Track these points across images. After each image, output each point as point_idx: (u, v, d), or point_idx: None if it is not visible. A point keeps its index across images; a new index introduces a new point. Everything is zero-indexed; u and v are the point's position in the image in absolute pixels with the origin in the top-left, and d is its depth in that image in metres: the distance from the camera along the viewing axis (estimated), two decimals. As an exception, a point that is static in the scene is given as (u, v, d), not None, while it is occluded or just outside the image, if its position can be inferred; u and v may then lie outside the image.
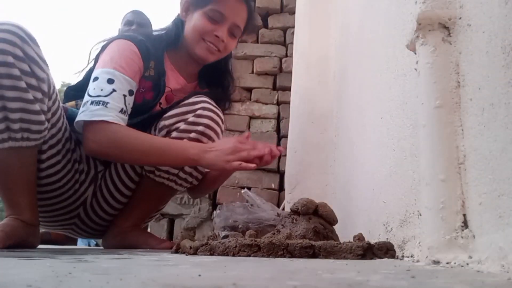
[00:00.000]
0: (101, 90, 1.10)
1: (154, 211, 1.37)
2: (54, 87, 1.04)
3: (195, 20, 1.24)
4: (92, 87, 1.12)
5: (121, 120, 1.10)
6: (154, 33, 1.34)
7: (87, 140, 1.10)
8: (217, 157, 1.07)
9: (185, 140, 1.15)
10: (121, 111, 1.11)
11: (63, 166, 1.13)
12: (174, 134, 1.18)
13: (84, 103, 1.10)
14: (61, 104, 1.11)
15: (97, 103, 1.08)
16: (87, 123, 1.09)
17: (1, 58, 0.91)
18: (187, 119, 1.18)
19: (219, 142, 1.13)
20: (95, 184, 1.25)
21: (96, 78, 1.13)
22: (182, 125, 1.17)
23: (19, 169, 1.01)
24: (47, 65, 1.00)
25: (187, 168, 1.22)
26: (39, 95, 0.97)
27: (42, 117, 0.99)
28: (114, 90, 1.10)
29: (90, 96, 1.10)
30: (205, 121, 1.17)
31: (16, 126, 0.95)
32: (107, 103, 1.09)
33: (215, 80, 1.38)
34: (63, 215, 1.24)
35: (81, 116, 1.09)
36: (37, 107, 0.97)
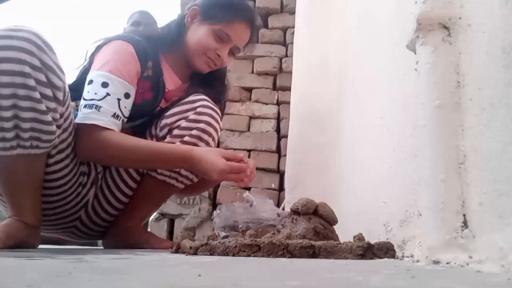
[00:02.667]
0: (95, 93, 1.11)
1: (156, 209, 1.38)
2: (68, 92, 1.04)
3: (201, 34, 1.27)
4: (86, 90, 1.12)
5: (113, 125, 1.11)
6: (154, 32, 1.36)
7: (78, 146, 1.11)
8: (206, 169, 1.10)
9: (177, 144, 1.17)
10: (114, 115, 1.11)
11: (71, 169, 1.13)
12: (175, 131, 1.19)
13: (80, 106, 1.12)
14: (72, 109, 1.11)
15: (90, 106, 1.09)
16: (80, 127, 1.10)
17: (17, 68, 0.89)
18: (188, 116, 1.20)
19: (206, 153, 1.13)
20: (96, 186, 1.25)
21: (91, 81, 1.13)
22: (183, 123, 1.20)
23: (26, 174, 1.00)
24: (63, 72, 0.99)
25: None
26: (52, 105, 0.96)
27: (54, 128, 0.99)
28: (108, 94, 1.11)
29: (84, 99, 1.12)
30: (205, 119, 1.20)
31: (26, 135, 0.95)
32: (100, 107, 1.09)
33: (206, 83, 1.40)
34: (64, 218, 1.23)
35: (75, 119, 1.10)
36: (49, 117, 0.96)
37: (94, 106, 1.09)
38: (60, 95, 0.98)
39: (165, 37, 1.31)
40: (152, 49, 1.25)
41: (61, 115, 1.02)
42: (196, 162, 1.11)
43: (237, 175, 1.12)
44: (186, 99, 1.24)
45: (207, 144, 1.21)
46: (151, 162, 1.15)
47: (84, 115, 1.09)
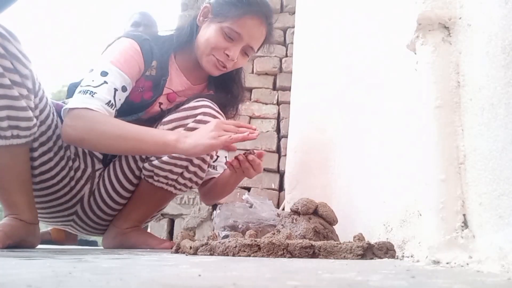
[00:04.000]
0: (92, 81, 1.09)
1: (154, 213, 1.36)
2: (39, 84, 1.03)
3: (210, 33, 1.19)
4: (85, 78, 1.11)
5: (106, 112, 1.07)
6: (166, 33, 1.32)
7: (64, 126, 1.06)
8: (200, 137, 1.02)
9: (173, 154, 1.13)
10: (108, 103, 1.08)
11: (56, 163, 1.13)
12: None
13: (75, 93, 1.08)
14: (49, 101, 1.10)
15: (85, 92, 1.07)
16: (70, 110, 1.05)
17: None
18: (187, 124, 1.14)
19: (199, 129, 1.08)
20: (92, 182, 1.25)
21: (91, 70, 1.12)
22: (181, 131, 1.14)
23: (12, 168, 1.01)
24: (29, 61, 0.99)
25: (186, 174, 1.20)
26: (24, 92, 0.96)
27: (30, 113, 0.98)
28: (105, 82, 1.09)
29: (80, 86, 1.09)
30: None
31: (4, 124, 0.95)
32: (95, 93, 1.07)
33: (224, 85, 1.34)
34: (61, 212, 1.24)
35: (66, 105, 1.07)
36: (23, 103, 0.96)
37: (88, 91, 1.06)
38: (29, 83, 0.98)
39: (177, 38, 1.27)
40: (161, 49, 1.22)
41: (36, 106, 1.02)
42: (190, 132, 1.06)
43: (235, 129, 1.04)
44: (187, 105, 1.18)
45: (207, 154, 1.18)
46: (140, 138, 1.05)
47: (76, 100, 1.05)
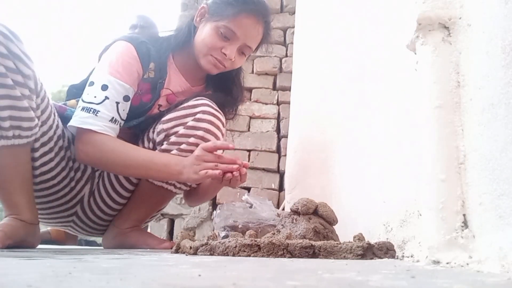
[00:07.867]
0: (94, 97, 1.10)
1: (154, 212, 1.36)
2: (41, 84, 1.03)
3: (206, 32, 1.20)
4: (86, 92, 1.12)
5: (110, 129, 1.10)
6: (166, 34, 1.32)
7: (76, 150, 1.12)
8: (189, 169, 1.08)
9: (172, 153, 1.15)
10: (112, 120, 1.11)
11: (57, 163, 1.13)
12: (172, 138, 1.16)
13: (78, 107, 1.12)
14: (51, 102, 1.11)
15: (88, 110, 1.09)
16: (77, 130, 1.10)
17: None
18: (186, 123, 1.15)
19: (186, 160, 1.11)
20: (92, 183, 1.25)
21: (91, 83, 1.13)
22: (181, 130, 1.15)
23: (13, 168, 1.01)
24: (32, 61, 0.99)
25: None
26: (26, 92, 0.97)
27: (32, 114, 0.99)
28: (106, 98, 1.10)
29: (83, 101, 1.11)
30: (204, 125, 1.15)
31: (6, 124, 0.95)
32: (98, 111, 1.09)
33: (223, 86, 1.34)
34: (61, 213, 1.24)
35: (71, 121, 1.10)
36: (25, 103, 0.97)
37: (92, 110, 1.09)
38: (31, 84, 0.98)
39: (175, 38, 1.27)
40: (158, 51, 1.22)
41: (38, 107, 1.02)
42: (180, 176, 1.10)
43: (215, 155, 1.08)
44: (186, 104, 1.19)
45: None
46: (145, 168, 1.12)
47: (81, 119, 1.09)
